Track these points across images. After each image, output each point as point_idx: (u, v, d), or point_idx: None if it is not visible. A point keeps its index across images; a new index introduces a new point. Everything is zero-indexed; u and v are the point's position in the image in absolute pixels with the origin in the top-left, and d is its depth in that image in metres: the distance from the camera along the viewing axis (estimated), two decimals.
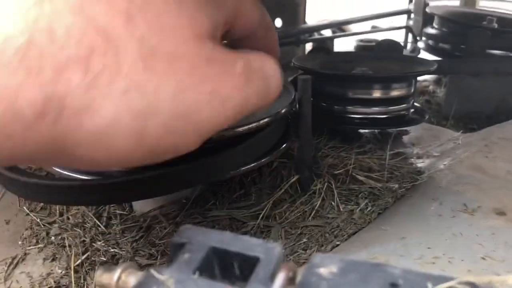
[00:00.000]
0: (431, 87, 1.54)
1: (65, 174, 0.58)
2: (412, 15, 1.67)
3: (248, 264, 0.28)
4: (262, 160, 0.63)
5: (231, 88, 0.27)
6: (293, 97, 0.70)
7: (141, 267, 0.67)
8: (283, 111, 0.66)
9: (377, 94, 0.81)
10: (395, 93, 0.80)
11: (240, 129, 0.60)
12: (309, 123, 0.71)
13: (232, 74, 0.28)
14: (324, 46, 1.12)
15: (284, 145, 0.69)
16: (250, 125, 0.61)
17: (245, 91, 0.28)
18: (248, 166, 0.62)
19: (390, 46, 0.94)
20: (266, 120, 0.63)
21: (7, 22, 0.21)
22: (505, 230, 0.56)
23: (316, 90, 0.87)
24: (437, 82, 1.57)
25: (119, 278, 0.26)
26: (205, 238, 0.34)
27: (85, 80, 0.22)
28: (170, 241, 0.34)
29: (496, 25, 1.25)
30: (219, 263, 0.30)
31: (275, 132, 0.66)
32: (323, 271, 0.26)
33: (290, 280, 0.27)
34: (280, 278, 0.26)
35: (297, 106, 0.71)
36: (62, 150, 0.24)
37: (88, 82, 0.23)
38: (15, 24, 0.21)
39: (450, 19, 1.24)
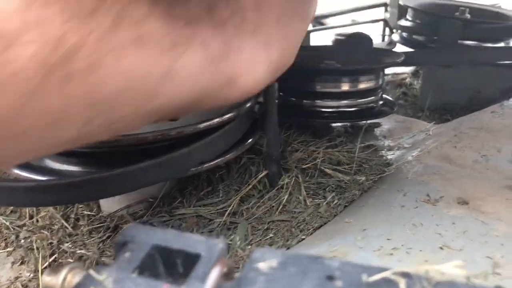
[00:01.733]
0: (408, 80, 1.54)
1: (22, 175, 0.57)
2: (389, 8, 1.67)
3: (191, 261, 0.28)
4: (226, 156, 0.63)
5: (302, 4, 0.37)
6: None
7: None
8: (246, 106, 0.66)
9: (345, 87, 0.80)
10: (363, 85, 0.80)
11: (201, 125, 0.60)
12: (275, 118, 0.70)
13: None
14: None
15: (250, 140, 0.69)
16: (211, 121, 0.60)
17: (310, 2, 0.38)
18: (211, 163, 0.61)
19: (360, 39, 0.94)
20: (228, 115, 0.63)
21: None
22: (466, 219, 0.56)
23: (285, 84, 0.87)
24: (414, 75, 1.58)
25: (64, 279, 0.26)
26: (148, 237, 0.33)
27: (235, 31, 0.32)
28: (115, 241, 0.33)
29: (468, 16, 1.25)
30: (162, 261, 0.29)
31: (238, 128, 0.66)
32: (262, 265, 0.25)
33: (226, 276, 0.26)
34: (214, 273, 0.26)
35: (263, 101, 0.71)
36: (230, 83, 0.32)
37: (236, 31, 0.32)
38: None
39: (423, 11, 1.24)
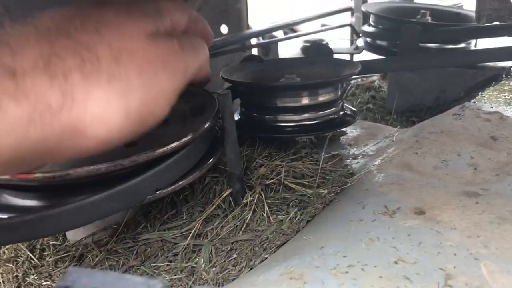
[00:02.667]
0: (377, 83, 1.56)
1: None
2: (355, 13, 1.69)
3: None
4: (183, 181, 0.63)
5: (174, 60, 0.42)
6: (214, 112, 0.70)
7: None
8: (203, 128, 0.66)
9: (305, 101, 0.81)
10: (322, 98, 0.81)
11: (155, 152, 0.60)
12: (234, 137, 0.71)
13: (173, 49, 0.42)
14: (255, 55, 1.12)
15: (210, 161, 0.69)
16: (166, 147, 0.60)
17: (184, 59, 0.43)
18: (169, 189, 0.61)
19: (320, 49, 0.95)
20: (184, 139, 0.63)
21: None
22: (421, 230, 0.57)
23: (246, 101, 0.87)
24: (383, 77, 1.59)
25: None
26: (89, 280, 0.34)
27: (83, 79, 0.34)
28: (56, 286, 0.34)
29: (429, 19, 1.28)
30: None
31: (194, 151, 0.66)
32: None
33: None
34: None
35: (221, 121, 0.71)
36: (76, 132, 0.35)
37: (85, 80, 0.34)
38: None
39: (383, 16, 1.26)
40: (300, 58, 0.99)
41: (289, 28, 2.05)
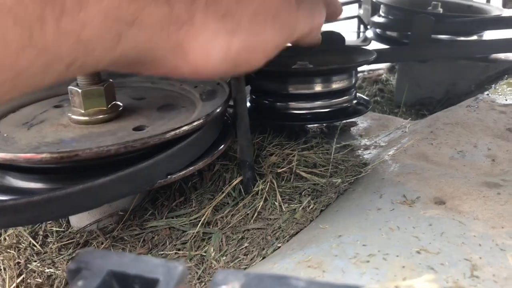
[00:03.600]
0: (384, 76, 1.54)
1: None
2: (362, 4, 1.67)
3: (148, 287, 0.27)
4: (194, 166, 0.61)
5: (286, 16, 0.39)
6: (227, 97, 0.68)
7: None
8: (215, 112, 0.64)
9: (317, 88, 0.79)
10: (335, 85, 0.78)
11: (167, 135, 0.58)
12: (246, 123, 0.68)
13: (289, 4, 0.39)
14: None
15: (221, 147, 0.67)
16: (178, 130, 0.58)
17: (296, 18, 0.40)
18: (179, 173, 0.59)
19: (332, 38, 0.92)
20: (196, 123, 0.61)
21: None
22: (443, 220, 0.55)
23: (257, 87, 0.85)
24: (390, 70, 1.57)
25: None
26: (103, 262, 0.31)
27: (205, 7, 0.33)
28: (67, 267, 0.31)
29: (441, 10, 1.25)
30: (119, 287, 0.28)
31: (205, 136, 0.63)
32: None
33: None
34: None
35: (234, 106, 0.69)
36: (182, 52, 0.34)
37: (206, 8, 0.34)
38: None
39: (395, 7, 1.24)
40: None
41: None
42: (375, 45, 1.43)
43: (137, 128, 0.65)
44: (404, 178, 0.67)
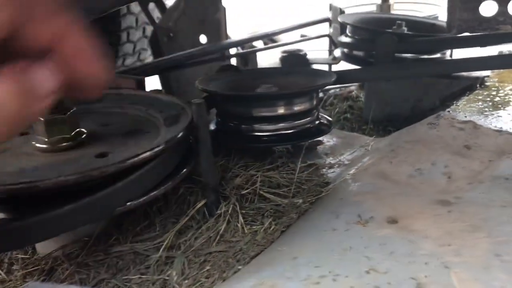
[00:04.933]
0: (354, 93, 1.57)
1: None
2: (332, 23, 1.70)
3: None
4: (151, 194, 0.62)
5: None
6: (188, 122, 0.69)
7: None
8: (176, 138, 0.65)
9: (280, 110, 0.81)
10: (297, 108, 0.81)
11: (126, 163, 0.59)
12: (208, 147, 0.70)
13: None
14: (232, 64, 1.12)
15: (183, 171, 0.68)
16: (136, 158, 0.59)
17: None
18: (140, 200, 0.60)
19: (296, 59, 0.95)
20: (156, 149, 0.62)
21: None
22: (393, 239, 0.57)
23: (222, 110, 0.87)
24: (361, 87, 1.60)
25: None
26: None
27: None
28: None
29: (405, 29, 1.29)
30: None
31: (166, 162, 0.65)
32: None
33: None
34: None
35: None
36: None
37: None
38: None
39: (360, 27, 1.27)
40: (276, 68, 0.99)
41: (268, 38, 2.06)
42: (343, 64, 1.47)
43: (100, 155, 0.66)
44: (361, 197, 0.69)
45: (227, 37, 1.73)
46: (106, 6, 0.93)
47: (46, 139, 0.68)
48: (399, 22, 1.30)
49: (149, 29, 2.15)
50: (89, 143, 0.70)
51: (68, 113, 0.68)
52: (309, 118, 0.84)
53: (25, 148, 0.70)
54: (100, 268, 0.67)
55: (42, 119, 0.67)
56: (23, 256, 0.73)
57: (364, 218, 0.62)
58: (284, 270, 0.52)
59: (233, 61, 1.73)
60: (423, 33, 1.32)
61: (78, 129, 0.70)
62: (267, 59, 1.78)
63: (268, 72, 0.98)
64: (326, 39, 1.87)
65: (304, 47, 1.78)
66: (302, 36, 1.92)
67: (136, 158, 0.59)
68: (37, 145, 0.68)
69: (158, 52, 1.79)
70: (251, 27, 2.28)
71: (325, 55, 1.80)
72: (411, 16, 1.45)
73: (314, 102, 0.84)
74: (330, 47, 1.81)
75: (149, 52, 2.28)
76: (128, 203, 0.59)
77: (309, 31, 1.91)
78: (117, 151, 0.68)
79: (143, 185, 0.61)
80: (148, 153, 0.61)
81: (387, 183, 0.75)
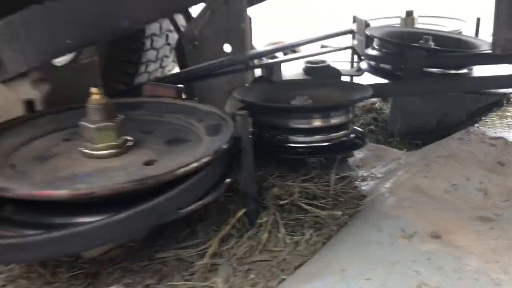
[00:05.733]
0: (378, 105, 1.58)
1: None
2: (356, 35, 1.72)
3: None
4: (200, 202, 0.64)
5: None
6: (232, 133, 0.71)
7: None
8: (223, 148, 0.67)
9: (317, 123, 0.82)
10: (334, 121, 0.82)
11: (178, 171, 0.61)
12: (250, 158, 0.72)
13: None
14: (266, 76, 1.14)
15: (227, 181, 0.70)
16: (188, 167, 0.61)
17: None
18: (189, 208, 0.62)
19: (329, 72, 0.97)
20: (205, 159, 0.64)
21: None
22: (440, 254, 0.58)
23: (258, 121, 0.88)
24: (384, 100, 1.62)
25: None
26: None
27: None
28: None
29: (432, 44, 1.30)
30: None
31: (214, 171, 0.67)
32: None
33: None
34: None
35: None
36: None
37: None
38: None
39: (388, 40, 1.29)
40: (309, 80, 1.01)
41: (290, 49, 2.08)
42: (368, 76, 1.48)
43: (147, 163, 0.68)
44: (401, 211, 0.70)
45: (252, 47, 1.75)
46: (151, 17, 0.95)
47: (95, 146, 0.70)
48: (426, 36, 1.31)
49: (172, 37, 2.17)
50: (135, 150, 0.72)
51: (117, 120, 0.70)
52: (344, 131, 0.85)
53: (72, 154, 0.72)
54: (145, 274, 0.68)
55: (92, 126, 0.69)
56: (67, 259, 0.74)
57: (408, 232, 0.63)
58: (335, 281, 0.54)
59: (257, 71, 1.75)
60: (449, 48, 1.33)
61: (124, 137, 0.72)
62: (290, 69, 1.79)
63: (302, 84, 0.99)
64: (346, 51, 1.89)
65: (325, 58, 1.80)
66: (322, 47, 1.94)
67: (188, 167, 0.61)
68: (85, 151, 0.70)
69: (182, 60, 1.82)
70: (273, 39, 2.29)
71: (346, 66, 1.81)
72: (437, 31, 1.46)
73: (350, 116, 0.85)
74: (352, 58, 1.82)
75: (170, 59, 2.31)
76: (179, 211, 0.60)
77: (329, 42, 1.93)
78: (163, 159, 0.69)
79: (193, 193, 0.63)
80: (198, 163, 0.63)
81: (424, 197, 0.76)
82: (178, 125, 0.81)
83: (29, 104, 0.83)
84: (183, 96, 0.87)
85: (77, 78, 0.97)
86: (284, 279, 0.63)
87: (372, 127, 1.43)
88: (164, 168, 0.64)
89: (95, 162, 0.69)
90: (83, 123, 0.69)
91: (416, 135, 1.32)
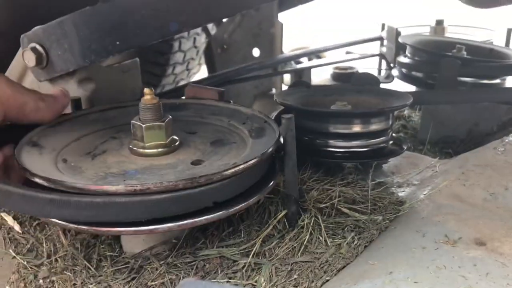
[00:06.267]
0: (406, 112, 1.59)
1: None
2: (385, 42, 1.73)
3: None
4: (248, 202, 0.65)
5: None
6: (277, 135, 0.72)
7: None
8: (269, 151, 0.69)
9: (357, 128, 0.84)
10: (374, 127, 0.83)
11: (228, 171, 0.62)
12: (294, 160, 0.73)
13: None
14: (303, 80, 1.16)
15: (271, 183, 0.71)
16: (237, 168, 0.63)
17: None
18: (236, 207, 0.64)
19: (367, 79, 0.98)
20: (252, 161, 0.65)
21: None
22: (486, 260, 0.59)
23: (298, 124, 0.89)
24: (411, 107, 1.62)
25: None
26: None
27: None
28: None
29: (465, 53, 1.31)
30: None
31: (256, 173, 0.68)
32: None
33: None
34: None
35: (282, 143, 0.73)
36: None
37: None
38: None
39: (421, 49, 1.29)
40: (347, 85, 1.02)
41: (314, 55, 2.10)
42: (395, 84, 1.49)
43: (195, 163, 0.70)
44: (442, 218, 0.71)
45: (281, 52, 1.77)
46: (200, 22, 0.98)
47: (144, 144, 0.72)
48: (459, 46, 1.32)
49: (199, 39, 2.20)
50: (181, 150, 0.74)
51: (165, 120, 0.72)
52: (383, 138, 0.86)
53: (121, 151, 0.74)
54: (189, 270, 0.70)
55: (142, 125, 0.71)
56: (111, 253, 0.76)
57: (452, 238, 0.64)
58: (383, 283, 0.54)
59: (286, 77, 1.77)
60: (481, 58, 1.33)
61: (172, 136, 0.74)
62: (317, 75, 1.80)
63: (339, 89, 1.00)
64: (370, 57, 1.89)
65: (354, 64, 1.81)
66: (347, 53, 1.95)
67: (237, 168, 0.63)
68: (135, 149, 0.72)
69: (211, 63, 1.85)
70: (296, 44, 2.31)
71: (374, 73, 1.82)
72: (469, 40, 1.47)
73: (390, 122, 0.86)
74: (379, 65, 1.83)
75: (196, 61, 2.34)
76: (230, 209, 0.62)
77: (353, 49, 1.94)
78: (211, 160, 0.71)
79: (229, 191, 0.64)
80: (245, 164, 0.64)
81: (463, 205, 0.77)
82: (221, 127, 0.83)
83: (76, 102, 0.85)
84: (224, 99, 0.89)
85: (119, 78, 1.00)
86: (327, 280, 0.64)
87: (401, 134, 1.43)
88: (212, 168, 0.66)
89: (144, 160, 0.71)
90: (134, 121, 0.72)
91: (446, 144, 1.33)
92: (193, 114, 0.86)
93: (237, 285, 0.32)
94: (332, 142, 0.86)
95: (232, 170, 0.63)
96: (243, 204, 0.65)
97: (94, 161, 0.71)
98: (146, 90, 0.70)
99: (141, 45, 0.81)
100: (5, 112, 0.68)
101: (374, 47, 1.88)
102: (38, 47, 0.85)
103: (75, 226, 0.61)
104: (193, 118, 0.86)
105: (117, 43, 0.81)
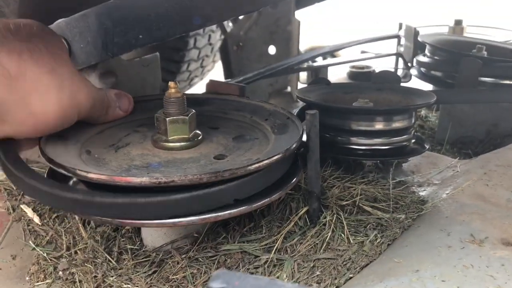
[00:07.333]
0: (423, 112, 1.57)
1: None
2: (403, 41, 1.71)
3: None
4: (271, 197, 0.65)
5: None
6: (301, 131, 0.72)
7: None
8: (293, 147, 0.68)
9: (379, 126, 0.83)
10: (396, 125, 0.83)
11: (252, 166, 0.62)
12: (317, 156, 0.73)
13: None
14: (323, 77, 1.15)
15: (294, 180, 0.71)
16: (260, 163, 0.62)
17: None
18: (259, 203, 0.63)
19: (388, 77, 0.97)
20: (276, 157, 0.65)
21: None
22: None
23: (319, 121, 0.89)
24: (428, 107, 1.61)
25: None
26: (242, 284, 0.36)
27: (33, 61, 0.53)
28: (207, 286, 0.36)
29: (485, 53, 1.30)
30: None
31: (280, 169, 0.68)
32: None
33: None
34: None
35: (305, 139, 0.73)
36: (25, 103, 0.53)
37: (35, 62, 0.53)
38: None
39: (441, 48, 1.28)
40: (368, 83, 1.01)
41: (330, 53, 2.09)
42: (416, 82, 1.48)
43: (217, 157, 0.70)
44: (467, 217, 0.70)
45: (298, 50, 1.77)
46: (223, 17, 0.97)
47: (168, 138, 0.72)
48: (480, 46, 1.30)
49: (214, 37, 2.21)
50: (204, 145, 0.74)
51: (189, 114, 0.72)
52: (406, 136, 0.86)
53: (144, 145, 0.74)
54: (210, 265, 0.70)
55: (166, 118, 0.71)
56: (131, 246, 0.76)
57: (478, 238, 0.63)
58: (410, 281, 0.54)
59: (302, 75, 1.76)
60: (501, 58, 1.32)
61: (195, 131, 0.74)
62: (334, 74, 1.79)
63: (360, 86, 1.00)
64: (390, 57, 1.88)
65: (371, 63, 1.80)
66: (362, 52, 1.94)
67: (261, 163, 0.62)
68: (158, 142, 0.72)
69: (227, 60, 1.84)
70: (311, 43, 2.30)
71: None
72: (489, 41, 1.45)
73: (413, 120, 0.85)
74: (396, 64, 1.82)
75: (210, 58, 2.35)
76: (253, 205, 0.62)
77: (368, 47, 1.93)
78: (233, 155, 0.71)
79: (249, 188, 0.64)
80: (269, 160, 0.64)
81: (487, 205, 0.76)
82: (243, 122, 0.82)
83: None
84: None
85: (140, 72, 1.00)
86: (351, 277, 0.64)
87: (418, 134, 1.42)
88: (235, 163, 0.66)
89: (167, 153, 0.71)
90: (157, 115, 0.72)
91: (465, 144, 1.32)
92: (216, 109, 0.86)
93: (272, 279, 0.31)
94: (354, 139, 0.85)
95: (256, 165, 0.62)
96: (266, 200, 0.65)
97: (117, 154, 0.71)
98: (170, 83, 0.70)
99: (165, 38, 0.80)
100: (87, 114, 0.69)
101: (389, 47, 1.87)
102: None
103: (100, 218, 0.61)
104: (215, 113, 0.86)
105: (140, 36, 0.81)
